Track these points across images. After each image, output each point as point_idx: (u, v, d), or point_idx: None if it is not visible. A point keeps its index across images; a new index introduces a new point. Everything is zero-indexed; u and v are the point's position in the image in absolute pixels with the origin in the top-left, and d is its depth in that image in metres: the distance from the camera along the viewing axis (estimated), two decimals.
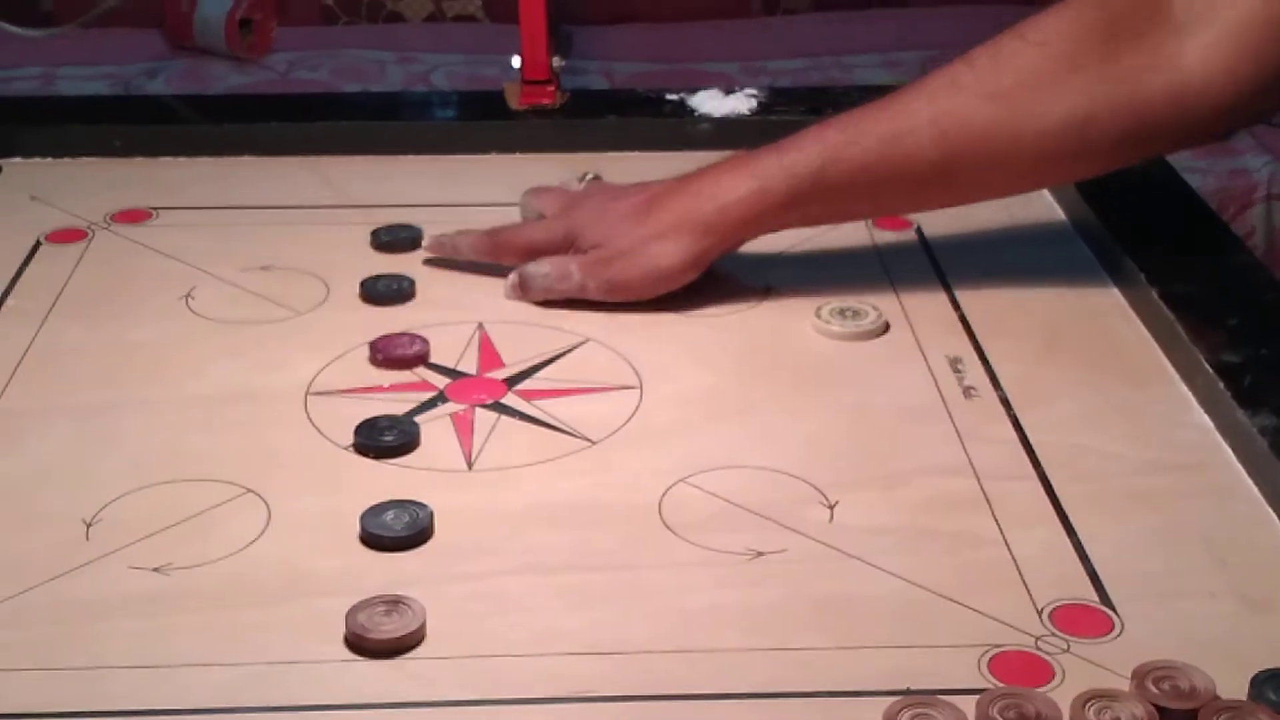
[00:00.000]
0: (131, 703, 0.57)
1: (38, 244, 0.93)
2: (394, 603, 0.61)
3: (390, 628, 0.60)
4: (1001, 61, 0.79)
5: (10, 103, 1.22)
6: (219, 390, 0.79)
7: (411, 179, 1.03)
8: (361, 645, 0.60)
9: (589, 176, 0.94)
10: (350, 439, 0.74)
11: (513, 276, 0.86)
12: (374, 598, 0.62)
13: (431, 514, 0.67)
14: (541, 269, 0.85)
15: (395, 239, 0.94)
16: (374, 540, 0.66)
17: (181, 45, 1.53)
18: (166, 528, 0.67)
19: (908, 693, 0.57)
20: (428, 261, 0.91)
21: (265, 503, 0.69)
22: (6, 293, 0.87)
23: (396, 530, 0.66)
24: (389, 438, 0.73)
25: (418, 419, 0.75)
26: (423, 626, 0.61)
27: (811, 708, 0.57)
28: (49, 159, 1.04)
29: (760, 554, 0.66)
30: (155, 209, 0.97)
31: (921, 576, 0.64)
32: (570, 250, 0.86)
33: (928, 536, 0.67)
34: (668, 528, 0.68)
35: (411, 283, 0.88)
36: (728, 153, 0.87)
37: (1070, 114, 0.78)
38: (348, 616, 0.61)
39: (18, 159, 1.04)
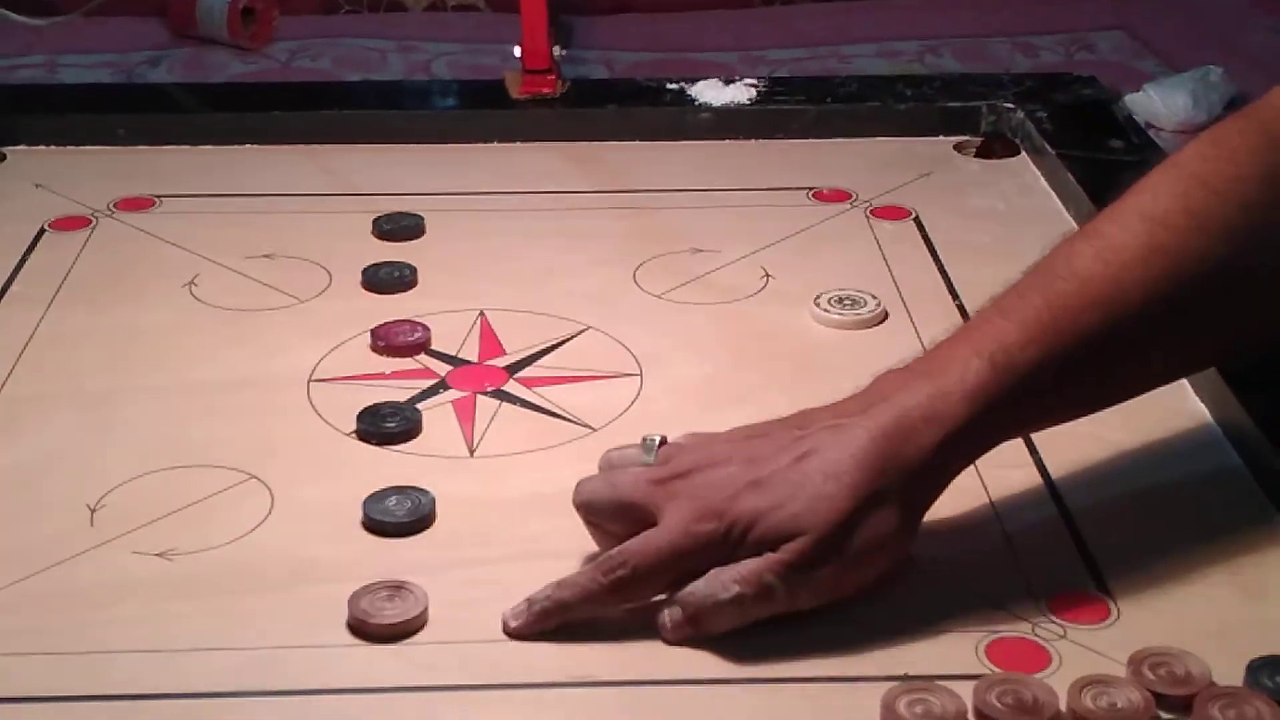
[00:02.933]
0: (135, 687, 0.58)
1: (42, 231, 0.93)
2: (396, 588, 0.62)
3: (392, 613, 0.61)
4: (1202, 223, 0.65)
5: (14, 91, 1.22)
6: (222, 377, 0.79)
7: (413, 168, 1.03)
8: (364, 630, 0.60)
9: (656, 441, 0.65)
10: (353, 426, 0.74)
11: (671, 614, 0.60)
12: (376, 583, 0.62)
13: (433, 500, 0.68)
14: (724, 593, 0.59)
15: (397, 227, 0.94)
16: (376, 526, 0.67)
17: (184, 34, 1.53)
18: (170, 514, 0.67)
19: (905, 678, 0.58)
20: (429, 253, 0.91)
21: (268, 489, 0.69)
22: (11, 280, 0.87)
23: (398, 516, 0.67)
24: (391, 424, 0.74)
25: (419, 406, 0.76)
26: (425, 612, 0.61)
27: (811, 693, 0.58)
28: (53, 147, 1.05)
29: None
30: (159, 197, 0.98)
31: (920, 564, 0.64)
32: (729, 552, 0.60)
33: (926, 523, 0.67)
34: None
35: (413, 271, 0.89)
36: None
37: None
38: (350, 602, 0.61)
39: (22, 146, 1.04)
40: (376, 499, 0.68)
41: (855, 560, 0.60)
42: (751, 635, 0.60)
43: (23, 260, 0.90)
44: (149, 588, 0.63)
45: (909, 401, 0.61)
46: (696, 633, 0.60)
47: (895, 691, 0.57)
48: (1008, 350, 0.62)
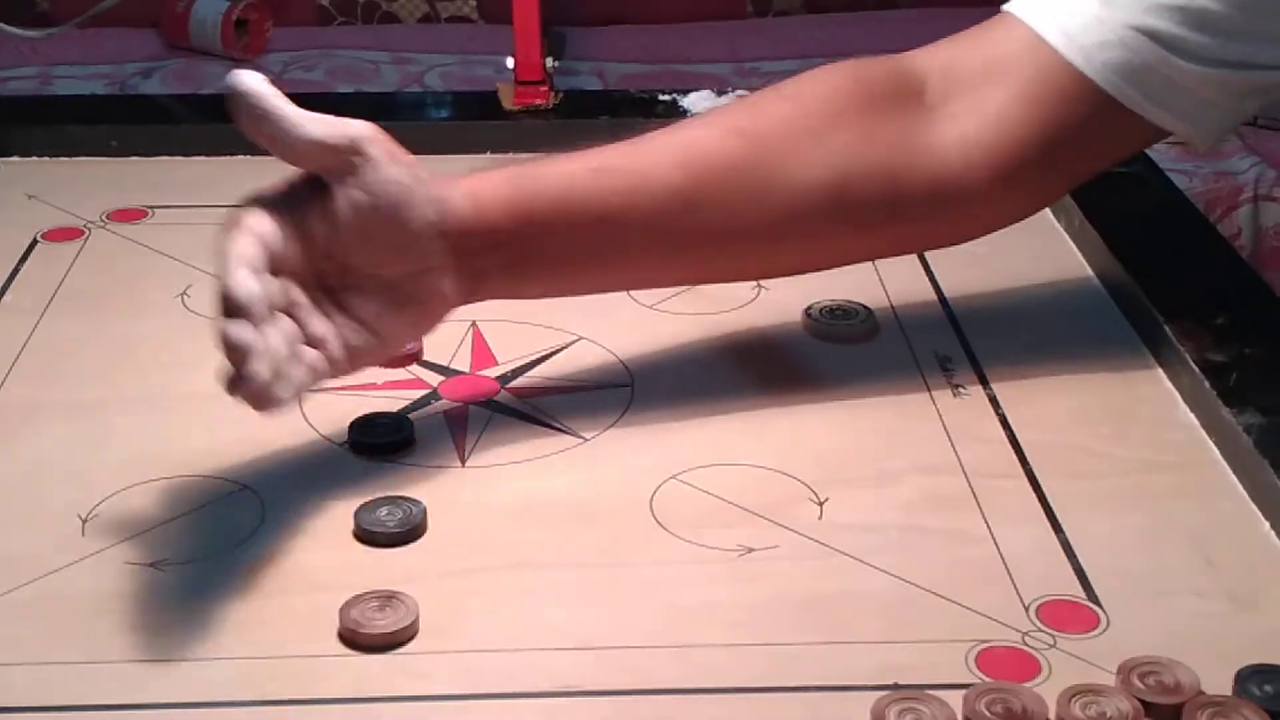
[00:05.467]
0: (128, 697, 0.58)
1: (34, 242, 0.93)
2: (387, 598, 0.62)
3: (384, 623, 0.61)
4: (757, 109, 0.75)
5: (7, 102, 1.23)
6: (215, 387, 0.79)
7: None
8: (355, 640, 0.60)
9: None
10: (345, 435, 0.74)
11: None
12: (367, 593, 0.62)
13: (425, 510, 0.68)
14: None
15: None
16: (368, 536, 0.67)
17: (177, 45, 1.53)
18: (162, 524, 0.68)
19: (895, 688, 0.58)
20: None
21: (260, 499, 0.69)
22: (4, 290, 0.88)
23: (390, 526, 0.67)
24: (386, 436, 0.74)
25: (411, 416, 0.76)
26: (416, 621, 0.61)
27: (800, 702, 0.58)
28: (45, 158, 1.05)
29: (751, 550, 0.66)
30: (151, 208, 0.98)
31: (910, 573, 0.65)
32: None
33: (917, 534, 0.68)
34: (659, 524, 0.68)
35: None
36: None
37: (825, 171, 0.73)
38: (341, 611, 0.61)
39: (15, 158, 1.04)
40: (368, 509, 0.68)
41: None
42: (740, 643, 0.61)
43: (15, 270, 0.90)
44: (141, 598, 0.63)
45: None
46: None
47: (885, 700, 0.57)
48: (540, 173, 0.71)
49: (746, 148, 0.73)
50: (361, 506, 0.68)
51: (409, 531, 0.67)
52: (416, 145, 1.05)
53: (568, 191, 0.71)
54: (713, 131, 0.74)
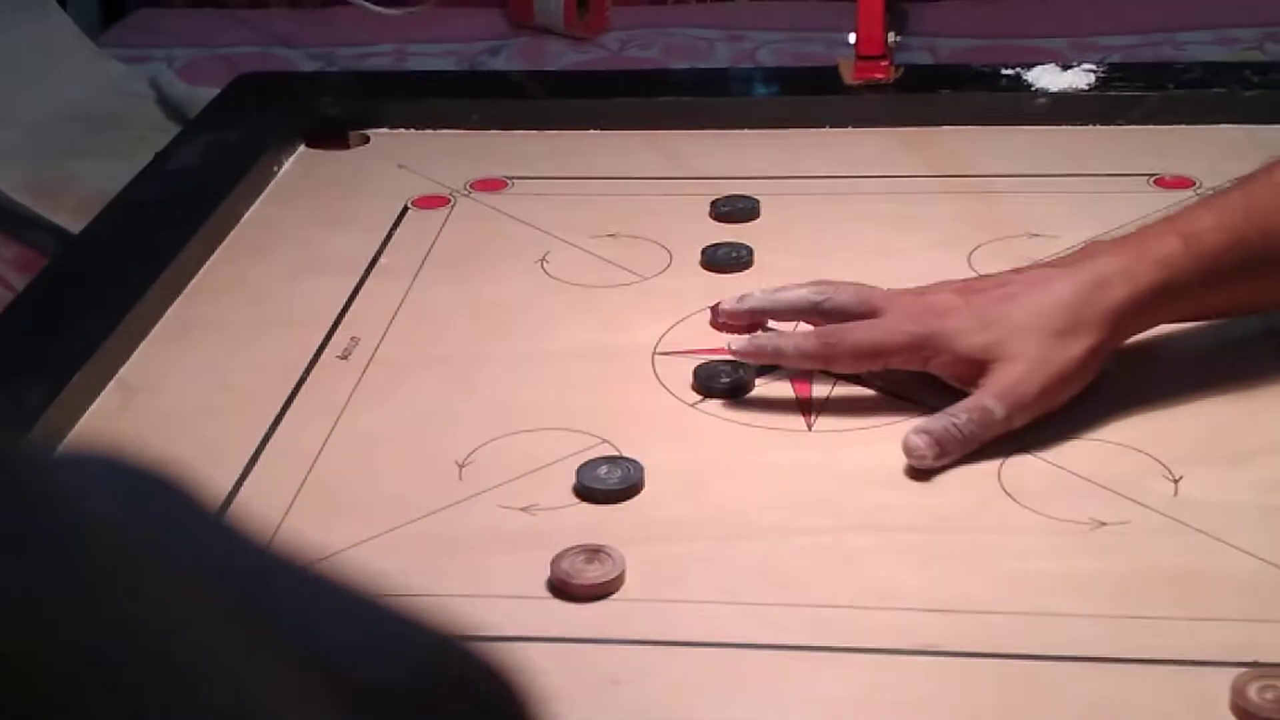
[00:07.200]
0: (504, 630, 0.62)
1: (405, 209, 1.00)
2: (594, 551, 0.64)
3: (594, 574, 0.63)
4: None
5: (375, 77, 1.30)
6: (572, 347, 0.83)
7: (748, 152, 1.06)
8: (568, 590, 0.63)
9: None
10: (696, 397, 0.77)
11: (916, 442, 0.69)
12: (580, 545, 0.64)
13: (642, 470, 0.70)
14: (958, 420, 0.69)
15: (734, 209, 0.97)
16: (587, 493, 0.69)
17: (521, 24, 1.59)
18: (531, 471, 0.72)
19: (1256, 665, 0.57)
20: (765, 234, 0.94)
21: (619, 453, 0.73)
22: (380, 252, 0.94)
23: (610, 484, 0.69)
24: (725, 380, 0.77)
25: (759, 379, 0.78)
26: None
27: (1160, 675, 0.58)
28: (411, 130, 1.11)
29: (1103, 524, 0.66)
30: (510, 178, 1.03)
31: (1270, 553, 0.63)
32: (924, 358, 0.73)
33: (1276, 514, 0.66)
34: (1008, 494, 0.69)
35: (750, 251, 0.91)
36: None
37: None
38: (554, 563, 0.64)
39: (384, 130, 1.11)
40: (590, 467, 0.70)
41: (1052, 387, 0.70)
42: (1096, 614, 0.61)
43: (389, 235, 0.96)
44: (513, 539, 0.67)
45: (1109, 262, 0.72)
46: (938, 460, 0.69)
47: (1246, 677, 0.56)
48: (1199, 232, 0.72)
49: None
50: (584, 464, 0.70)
51: (627, 489, 0.69)
52: (758, 119, 1.09)
53: (1234, 250, 0.72)
54: None
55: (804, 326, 0.78)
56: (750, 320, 0.78)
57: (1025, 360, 0.70)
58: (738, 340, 0.75)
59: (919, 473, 0.71)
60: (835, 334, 0.74)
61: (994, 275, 0.76)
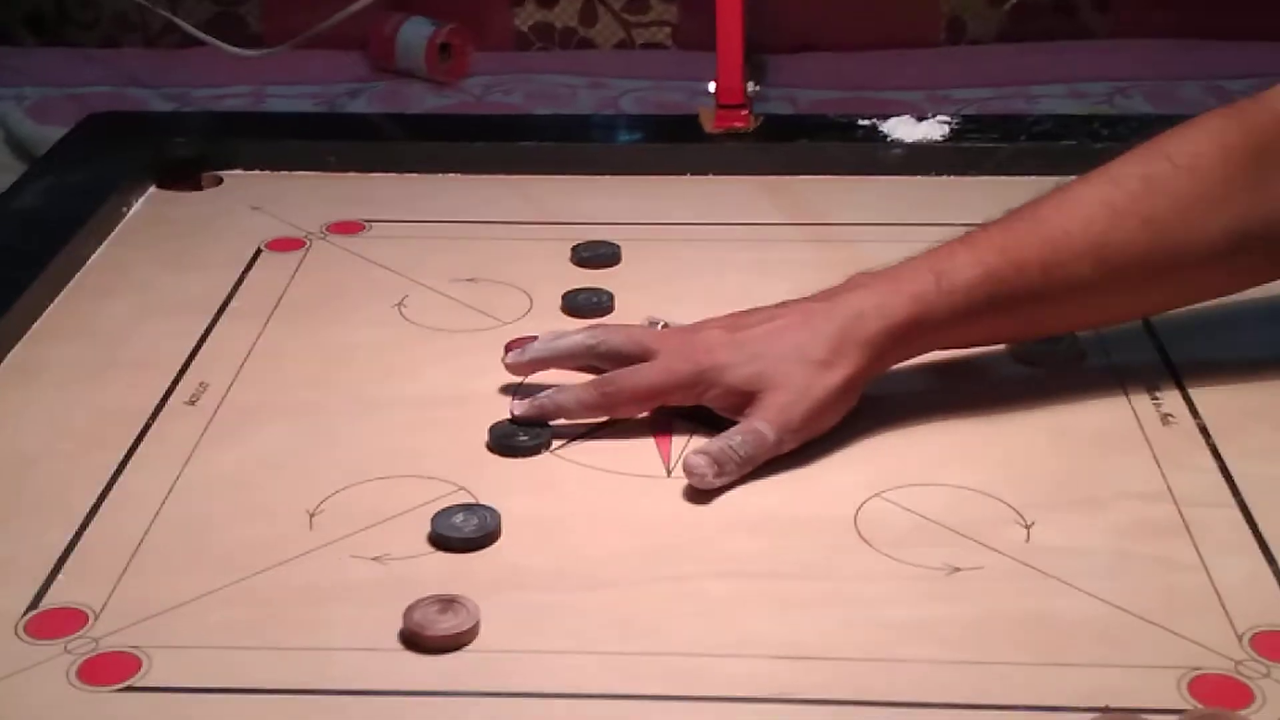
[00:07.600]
0: (352, 683, 0.60)
1: (259, 251, 0.98)
2: (449, 602, 0.63)
3: (446, 625, 0.62)
4: (1153, 186, 0.76)
5: (230, 117, 1.29)
6: (430, 393, 0.82)
7: (609, 198, 1.06)
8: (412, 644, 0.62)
9: (660, 325, 0.83)
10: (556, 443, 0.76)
11: (696, 461, 0.72)
12: (428, 597, 0.64)
13: (499, 517, 0.69)
14: (733, 442, 0.73)
15: (595, 255, 0.97)
16: (442, 542, 0.68)
17: (383, 68, 1.58)
18: (384, 520, 0.70)
19: (1107, 710, 0.58)
20: (626, 280, 0.93)
21: (475, 500, 0.72)
22: (231, 296, 0.92)
23: (465, 532, 0.68)
24: (524, 438, 0.76)
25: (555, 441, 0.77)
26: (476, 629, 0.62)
27: None
28: (267, 171, 1.09)
29: (957, 570, 0.67)
30: (368, 221, 1.02)
31: (1120, 598, 0.64)
32: (698, 393, 0.76)
33: (1127, 559, 0.67)
34: (864, 541, 0.69)
35: (611, 296, 0.91)
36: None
37: (1222, 238, 0.76)
38: (406, 614, 0.63)
39: (239, 170, 1.09)
40: (445, 515, 0.69)
41: (816, 411, 0.74)
42: (950, 660, 0.61)
43: (241, 277, 0.94)
44: (365, 589, 0.66)
45: (866, 296, 0.76)
46: (718, 479, 0.72)
47: None
48: (955, 268, 0.76)
49: (1154, 238, 0.76)
50: (438, 513, 0.69)
51: (482, 539, 0.68)
52: (618, 165, 1.09)
53: (991, 289, 0.76)
54: (1123, 226, 0.76)
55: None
56: (533, 370, 0.80)
57: (790, 389, 0.74)
58: (519, 405, 0.77)
59: (777, 520, 0.71)
60: (612, 382, 0.77)
61: (759, 310, 0.79)
